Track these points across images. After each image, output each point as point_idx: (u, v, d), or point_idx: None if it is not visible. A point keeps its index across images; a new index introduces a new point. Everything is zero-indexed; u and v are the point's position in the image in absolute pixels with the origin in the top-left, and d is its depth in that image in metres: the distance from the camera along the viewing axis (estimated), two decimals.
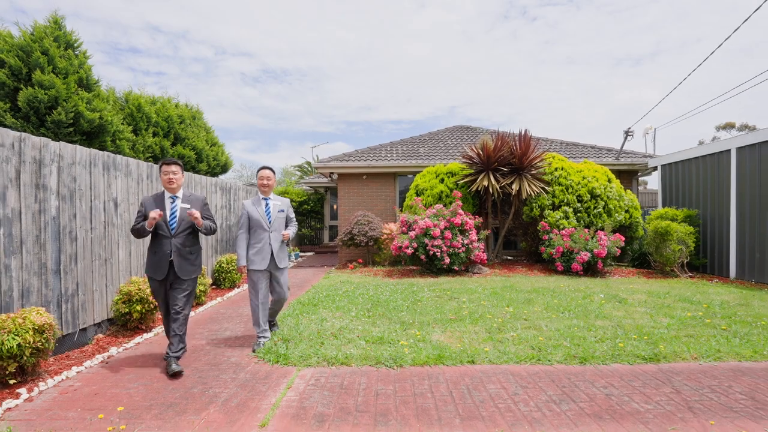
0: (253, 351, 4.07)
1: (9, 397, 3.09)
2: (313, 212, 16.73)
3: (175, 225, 3.76)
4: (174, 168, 3.76)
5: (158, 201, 3.76)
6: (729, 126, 41.81)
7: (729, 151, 8.11)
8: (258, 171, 4.30)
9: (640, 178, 15.87)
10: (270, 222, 4.24)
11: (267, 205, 4.29)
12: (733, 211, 8.05)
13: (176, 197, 3.82)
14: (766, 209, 7.38)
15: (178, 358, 3.67)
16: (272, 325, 4.61)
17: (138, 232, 3.67)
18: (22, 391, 3.18)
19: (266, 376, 3.49)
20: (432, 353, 3.82)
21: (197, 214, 3.70)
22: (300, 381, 3.34)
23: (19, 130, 10.66)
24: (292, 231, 4.39)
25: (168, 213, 3.74)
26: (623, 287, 6.89)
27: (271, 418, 2.72)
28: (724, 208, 8.25)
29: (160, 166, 3.76)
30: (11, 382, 3.25)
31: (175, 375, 3.46)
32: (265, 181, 4.29)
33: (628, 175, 11.50)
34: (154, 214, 3.51)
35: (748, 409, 2.79)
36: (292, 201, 16.28)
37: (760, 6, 6.83)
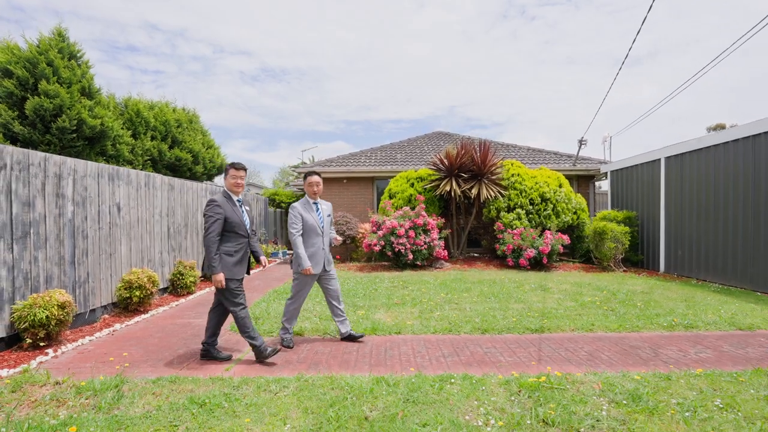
0: (283, 345, 4.27)
1: (40, 355, 4.12)
2: None
3: (248, 225, 3.97)
4: (242, 173, 3.95)
5: (231, 203, 3.86)
6: (719, 127, 43.03)
7: (660, 160, 9.18)
8: (306, 176, 4.37)
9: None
10: (322, 227, 4.34)
11: (318, 209, 4.38)
12: (662, 213, 9.12)
13: (240, 200, 3.98)
14: (687, 211, 8.46)
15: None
16: (351, 335, 4.47)
17: (217, 236, 3.70)
18: (49, 351, 4.21)
19: (236, 342, 4.52)
20: (368, 326, 4.86)
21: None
22: None
23: (26, 137, 11.71)
24: (334, 235, 4.57)
25: (242, 214, 3.92)
26: (557, 279, 7.96)
27: (233, 366, 3.76)
28: (656, 210, 9.32)
29: (228, 169, 3.93)
30: (41, 344, 4.28)
31: (229, 358, 3.91)
32: (315, 187, 4.33)
33: (585, 180, 12.57)
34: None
35: (581, 360, 3.84)
36: (282, 202, 17.32)
37: (652, 6, 7.82)
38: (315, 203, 4.39)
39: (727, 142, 7.50)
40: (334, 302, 4.46)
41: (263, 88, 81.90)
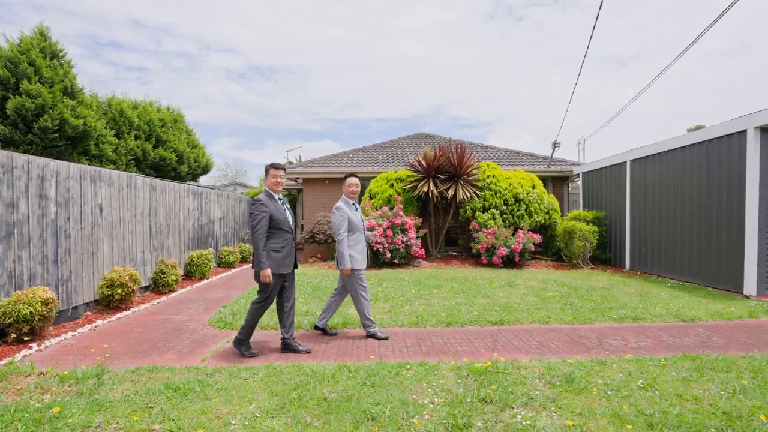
0: (378, 336, 4.53)
1: (25, 348, 4.33)
2: None
3: (292, 222, 4.17)
4: (281, 172, 4.16)
5: (274, 202, 4.06)
6: (699, 128, 44.48)
7: (625, 162, 9.65)
8: (346, 179, 4.65)
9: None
10: (363, 225, 4.70)
11: (357, 209, 4.72)
12: (628, 213, 9.59)
13: (282, 198, 4.20)
14: (649, 211, 8.93)
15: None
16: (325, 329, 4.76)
17: (264, 233, 3.89)
18: (33, 345, 4.42)
19: (213, 336, 4.79)
20: (340, 321, 5.16)
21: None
22: None
23: (7, 137, 11.74)
24: (369, 233, 5.07)
25: (284, 211, 4.10)
26: (526, 276, 8.36)
27: (209, 357, 4.03)
28: (623, 210, 9.79)
29: (268, 169, 4.13)
30: (25, 339, 4.49)
31: (308, 352, 4.09)
32: (354, 188, 4.63)
33: (560, 181, 13.03)
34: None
35: (531, 349, 4.19)
36: None
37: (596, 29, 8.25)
38: (354, 204, 4.70)
39: (684, 147, 7.98)
40: (339, 301, 4.78)
41: (250, 86, 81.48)
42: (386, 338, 4.54)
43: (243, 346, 4.07)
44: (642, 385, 3.22)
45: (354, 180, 4.66)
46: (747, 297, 6.60)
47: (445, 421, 2.67)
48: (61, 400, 2.95)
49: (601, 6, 6.84)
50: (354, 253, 4.50)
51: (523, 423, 2.66)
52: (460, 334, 4.72)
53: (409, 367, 3.61)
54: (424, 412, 2.79)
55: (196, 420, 2.68)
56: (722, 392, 3.11)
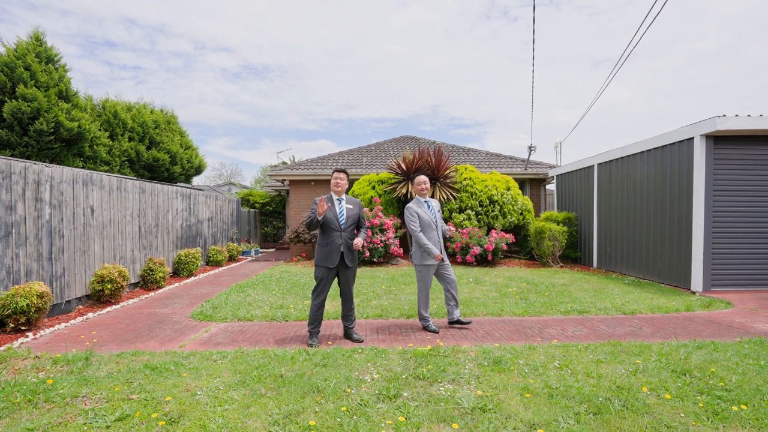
0: (431, 329, 4.86)
1: (22, 337, 4.80)
2: (275, 213, 18.42)
3: (344, 221, 4.44)
4: (342, 175, 4.52)
5: (329, 201, 4.46)
6: None
7: (593, 166, 10.18)
8: (415, 177, 5.03)
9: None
10: (436, 221, 4.92)
11: (429, 206, 4.95)
12: (595, 214, 10.13)
13: (341, 199, 4.54)
14: (614, 212, 9.47)
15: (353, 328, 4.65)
16: (459, 321, 5.06)
17: (310, 225, 4.33)
18: (29, 334, 4.90)
19: (194, 327, 5.27)
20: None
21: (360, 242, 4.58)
22: (215, 328, 5.15)
23: (4, 139, 12.18)
24: (447, 227, 5.13)
25: (337, 211, 4.45)
26: (494, 274, 8.88)
27: (187, 344, 4.51)
28: (591, 211, 10.33)
29: (332, 173, 4.58)
30: (22, 328, 4.97)
31: (360, 341, 4.47)
32: (422, 185, 4.92)
33: (537, 183, 13.57)
34: (323, 206, 4.19)
35: (476, 337, 4.70)
36: (256, 202, 17.95)
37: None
38: (426, 201, 4.97)
39: (642, 152, 8.51)
40: (451, 290, 4.99)
41: (245, 86, 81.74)
42: (437, 332, 4.83)
43: (309, 336, 4.44)
44: (558, 366, 3.73)
45: (421, 178, 4.94)
46: (693, 292, 7.14)
47: (377, 392, 3.17)
48: (54, 377, 3.44)
49: (534, 8, 7.32)
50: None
51: (445, 394, 3.17)
52: (417, 325, 5.21)
53: (361, 351, 4.11)
54: (363, 386, 3.29)
55: (168, 392, 3.17)
56: (624, 371, 3.62)
